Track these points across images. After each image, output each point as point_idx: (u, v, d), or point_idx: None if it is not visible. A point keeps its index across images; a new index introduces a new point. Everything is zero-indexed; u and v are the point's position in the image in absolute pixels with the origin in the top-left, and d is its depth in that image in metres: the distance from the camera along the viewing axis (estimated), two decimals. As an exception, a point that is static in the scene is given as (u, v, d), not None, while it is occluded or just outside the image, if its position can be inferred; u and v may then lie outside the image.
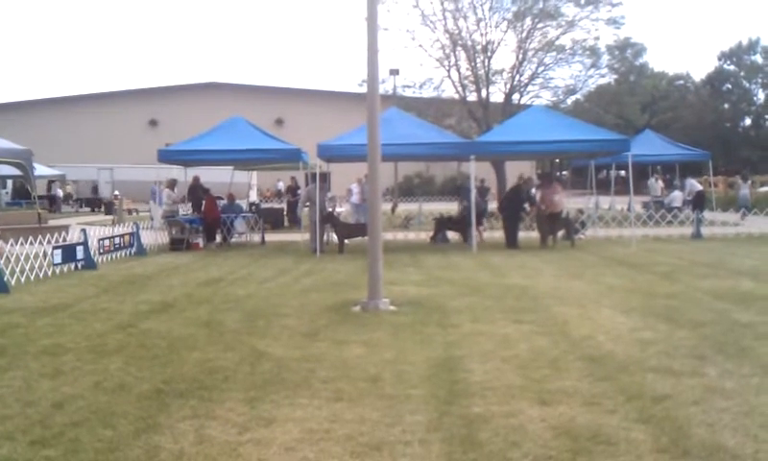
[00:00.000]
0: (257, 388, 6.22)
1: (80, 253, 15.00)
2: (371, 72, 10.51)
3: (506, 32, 34.88)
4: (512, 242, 18.79)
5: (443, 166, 50.82)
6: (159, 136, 59.44)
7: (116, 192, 42.41)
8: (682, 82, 71.27)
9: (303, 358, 7.25)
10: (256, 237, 22.08)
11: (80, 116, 64.50)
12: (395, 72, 38.38)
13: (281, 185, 52.21)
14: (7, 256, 12.87)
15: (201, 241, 20.41)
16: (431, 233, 21.13)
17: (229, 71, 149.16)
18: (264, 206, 32.49)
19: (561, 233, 19.49)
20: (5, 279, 12.22)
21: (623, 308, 9.80)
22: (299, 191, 31.57)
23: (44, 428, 5.28)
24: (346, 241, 18.93)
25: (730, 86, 69.11)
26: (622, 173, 33.37)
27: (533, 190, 20.60)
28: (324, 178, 20.31)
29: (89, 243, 15.42)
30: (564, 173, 64.42)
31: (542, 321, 9.00)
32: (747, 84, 69.34)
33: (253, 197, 41.70)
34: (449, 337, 8.16)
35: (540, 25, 34.14)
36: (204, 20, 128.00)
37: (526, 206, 19.82)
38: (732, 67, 69.31)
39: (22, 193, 43.97)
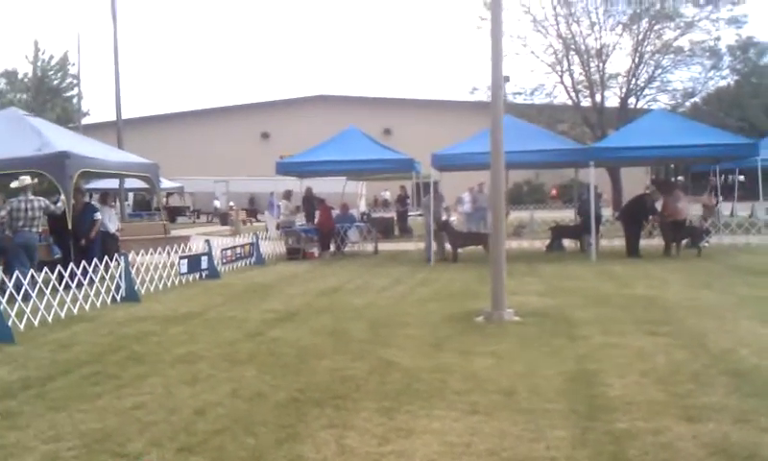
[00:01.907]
0: (391, 398, 6.20)
1: (204, 263, 15.50)
2: (495, 77, 10.39)
3: (621, 35, 33.98)
4: (633, 251, 18.16)
5: (552, 173, 49.93)
6: (271, 148, 61.00)
7: (232, 203, 43.76)
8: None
9: (433, 369, 7.19)
10: (369, 246, 22.23)
11: (195, 130, 67.01)
12: (505, 79, 37.95)
13: (387, 195, 52.56)
14: (137, 267, 13.41)
15: (316, 250, 20.72)
16: (546, 242, 20.70)
17: (338, 83, 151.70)
18: (374, 215, 32.73)
19: (684, 242, 18.70)
20: (135, 288, 12.74)
21: (762, 320, 9.26)
22: (407, 200, 31.74)
23: (189, 435, 5.41)
24: (459, 250, 18.77)
25: None
26: (741, 178, 31.75)
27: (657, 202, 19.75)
28: (435, 187, 20.25)
29: (213, 253, 15.90)
30: (679, 178, 61.92)
31: (678, 333, 8.61)
32: None
33: (363, 207, 42.11)
34: (580, 350, 7.91)
35: (656, 27, 33.02)
36: (312, 33, 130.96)
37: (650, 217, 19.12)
38: None
39: (143, 205, 46.14)
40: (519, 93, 36.95)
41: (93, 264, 12.20)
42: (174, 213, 45.08)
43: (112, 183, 26.18)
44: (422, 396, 6.27)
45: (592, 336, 8.58)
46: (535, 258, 18.19)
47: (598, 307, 10.65)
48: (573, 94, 34.96)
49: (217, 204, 48.87)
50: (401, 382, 6.73)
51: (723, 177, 28.88)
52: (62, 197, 13.62)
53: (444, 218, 19.52)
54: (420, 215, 27.10)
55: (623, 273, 14.87)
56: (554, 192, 57.44)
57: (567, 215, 24.89)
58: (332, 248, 21.38)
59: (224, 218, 43.50)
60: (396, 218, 31.10)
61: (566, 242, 20.61)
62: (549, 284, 13.48)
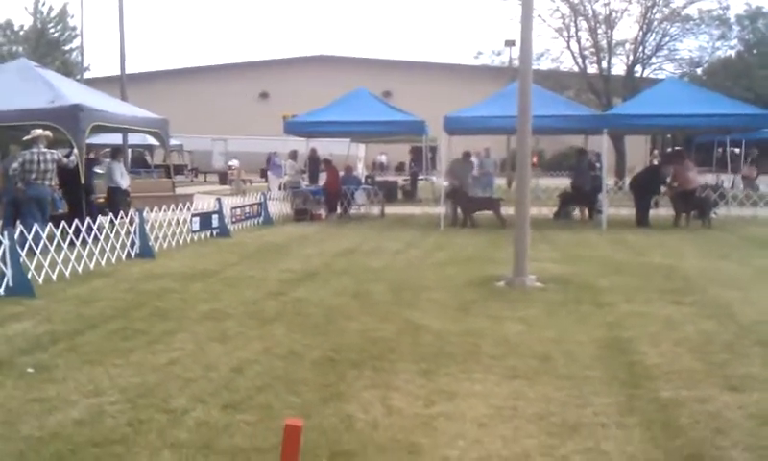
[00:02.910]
0: (427, 361, 6.17)
1: (215, 221, 15.42)
2: (524, 37, 10.23)
3: (630, 2, 33.63)
4: (643, 220, 18.14)
5: (551, 140, 49.74)
6: (270, 108, 60.69)
7: (231, 163, 43.46)
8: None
9: (463, 332, 7.17)
10: (375, 210, 22.13)
11: (193, 88, 66.47)
12: (510, 43, 37.61)
13: (384, 159, 52.41)
14: (151, 223, 13.32)
15: (323, 212, 20.64)
16: (554, 209, 20.64)
17: (338, 43, 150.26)
18: (379, 178, 32.61)
19: (693, 213, 18.66)
20: (149, 244, 12.66)
21: (786, 292, 9.26)
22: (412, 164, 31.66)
23: (231, 392, 5.38)
24: (464, 215, 18.70)
25: None
26: (737, 150, 31.74)
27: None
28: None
29: (224, 211, 15.81)
30: (677, 148, 61.77)
31: (703, 303, 8.59)
32: None
33: (361, 169, 41.95)
34: (608, 317, 7.90)
35: (666, -6, 32.74)
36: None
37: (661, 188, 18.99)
38: None
39: (140, 162, 45.72)
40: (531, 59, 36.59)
41: (109, 219, 12.11)
42: (174, 171, 44.77)
43: (114, 139, 25.88)
44: (457, 359, 6.25)
45: (618, 304, 8.57)
46: (544, 225, 18.11)
47: (618, 275, 10.63)
48: (580, 60, 34.76)
49: (230, 162, 48.24)
50: (434, 345, 6.71)
51: (721, 149, 28.75)
52: (75, 150, 13.44)
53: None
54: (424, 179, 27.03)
55: (636, 242, 14.84)
56: (534, 160, 57.07)
57: (565, 183, 24.70)
58: (339, 210, 21.29)
59: (222, 177, 43.26)
60: (410, 181, 31.09)
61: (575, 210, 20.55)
62: (564, 252, 13.46)
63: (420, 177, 30.97)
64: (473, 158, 24.26)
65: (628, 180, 31.38)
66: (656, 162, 19.32)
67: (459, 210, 18.82)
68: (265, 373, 5.86)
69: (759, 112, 18.42)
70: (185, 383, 5.59)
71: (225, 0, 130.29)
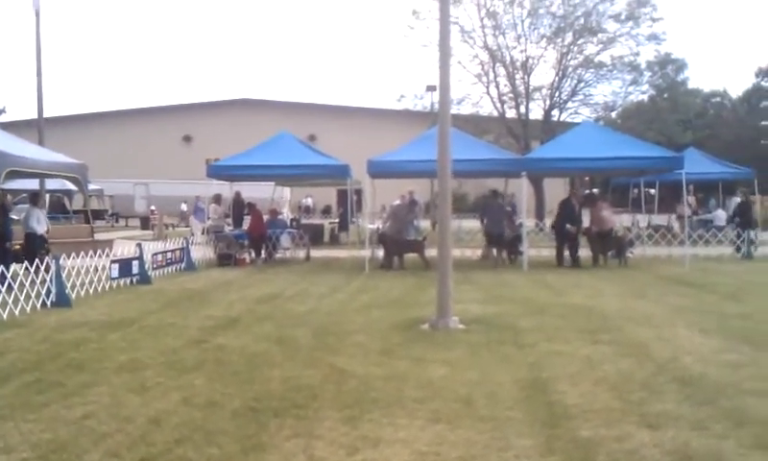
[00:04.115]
0: (350, 407, 6.14)
1: (135, 267, 15.07)
2: (443, 82, 10.44)
3: (546, 48, 34.84)
4: (560, 260, 18.52)
5: (474, 184, 50.63)
6: (193, 152, 60.08)
7: (153, 207, 42.72)
8: (718, 99, 70.48)
9: (387, 377, 7.16)
10: (300, 253, 22.02)
11: (115, 131, 65.13)
12: (432, 88, 38.32)
13: (310, 202, 52.35)
14: (68, 270, 12.92)
15: (247, 256, 20.42)
16: (478, 251, 20.93)
17: (262, 87, 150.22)
18: (304, 221, 32.52)
19: (610, 252, 19.21)
20: (66, 292, 12.27)
21: (699, 329, 9.58)
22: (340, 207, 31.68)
23: (148, 445, 5.23)
24: (395, 258, 18.81)
25: (768, 104, 68.21)
26: (652, 191, 32.98)
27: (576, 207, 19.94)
28: (411, 195, 20.51)
29: (144, 257, 15.47)
30: (594, 190, 63.74)
31: (620, 342, 8.83)
32: (786, 102, 68.32)
33: (287, 213, 41.79)
34: (529, 358, 8.02)
35: (580, 41, 34.03)
36: (236, 37, 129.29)
37: (569, 226, 19.16)
38: (769, 84, 68.39)
39: (58, 208, 44.46)
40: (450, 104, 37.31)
41: (24, 267, 11.70)
42: (93, 217, 43.67)
43: (32, 184, 25.13)
44: (381, 404, 6.24)
45: (538, 344, 8.72)
46: (467, 267, 18.36)
47: (539, 316, 10.83)
48: (499, 105, 35.67)
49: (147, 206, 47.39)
50: (358, 391, 6.68)
51: (636, 190, 29.86)
52: (-13, 197, 12.99)
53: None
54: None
55: (556, 282, 15.17)
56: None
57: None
58: (263, 254, 21.10)
59: (144, 222, 42.41)
60: (338, 224, 31.11)
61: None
62: (487, 292, 13.64)
63: (353, 220, 31.08)
64: (397, 201, 24.52)
65: (548, 221, 32.28)
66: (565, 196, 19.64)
67: (385, 252, 18.91)
68: (183, 424, 5.71)
69: (671, 155, 19.22)
70: (100, 437, 5.41)
71: (147, 43, 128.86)
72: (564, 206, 19.04)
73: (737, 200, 28.47)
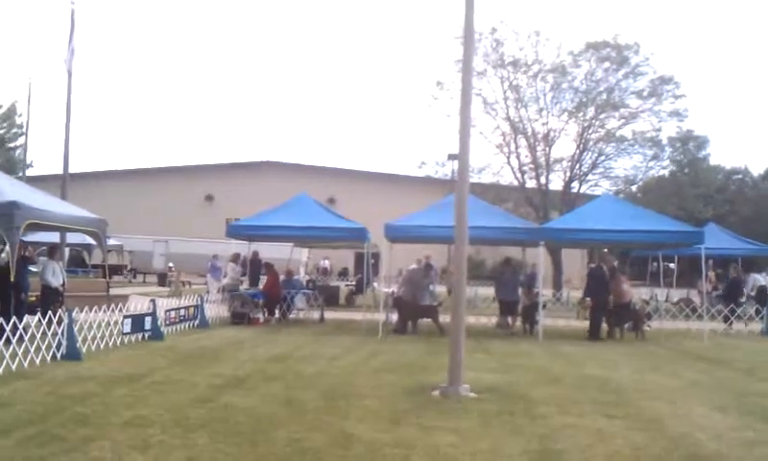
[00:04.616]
0: (355, 473, 6.00)
1: (148, 323, 15.04)
2: (462, 153, 10.55)
3: (567, 122, 34.98)
4: (595, 333, 18.04)
5: (492, 251, 50.53)
6: (214, 212, 60.51)
7: (171, 264, 42.96)
8: (739, 175, 70.42)
9: (394, 443, 7.02)
10: (315, 314, 21.95)
11: (137, 189, 65.91)
12: (453, 157, 38.54)
13: (327, 264, 52.42)
14: (80, 324, 12.92)
15: (261, 316, 20.37)
16: (494, 319, 20.76)
17: (284, 149, 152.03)
18: (320, 283, 32.49)
19: (627, 325, 18.95)
20: (77, 345, 12.25)
21: (714, 405, 9.39)
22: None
23: (147, 505, 5.12)
24: (409, 323, 18.69)
25: (789, 181, 67.98)
26: (671, 265, 32.77)
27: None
28: (428, 260, 20.50)
29: (157, 313, 15.46)
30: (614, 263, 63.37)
31: (634, 415, 8.64)
32: (806, 180, 68.10)
33: (303, 274, 41.80)
34: (540, 429, 7.85)
35: (601, 115, 34.19)
36: (261, 99, 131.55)
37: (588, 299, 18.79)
38: (790, 162, 68.44)
39: (77, 262, 44.81)
40: (469, 171, 37.44)
41: (37, 319, 11.72)
42: (111, 272, 43.93)
43: (52, 237, 25.36)
44: (387, 471, 6.09)
45: (551, 415, 8.55)
46: (482, 334, 18.17)
47: (552, 386, 10.66)
48: (519, 175, 35.68)
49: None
50: (364, 456, 6.55)
51: (655, 264, 29.67)
52: (8, 248, 13.09)
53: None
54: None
55: (571, 353, 14.96)
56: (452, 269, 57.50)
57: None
58: (277, 314, 21.04)
59: (161, 278, 42.60)
60: (355, 286, 31.07)
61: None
62: (500, 361, 13.45)
63: (374, 284, 31.03)
64: (413, 266, 24.46)
65: (565, 291, 32.02)
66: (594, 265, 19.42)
67: (399, 316, 18.82)
68: (185, 484, 5.60)
69: (689, 230, 19.11)
70: (99, 494, 5.30)
71: (173, 103, 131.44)
72: (593, 275, 18.86)
73: (756, 276, 28.23)
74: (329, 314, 22.40)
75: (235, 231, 20.88)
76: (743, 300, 25.13)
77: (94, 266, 41.89)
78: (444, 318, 17.15)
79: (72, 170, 27.51)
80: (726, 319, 21.78)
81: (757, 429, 8.01)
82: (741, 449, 7.09)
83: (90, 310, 14.04)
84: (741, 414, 8.85)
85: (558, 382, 11.04)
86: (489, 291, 27.65)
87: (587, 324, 18.91)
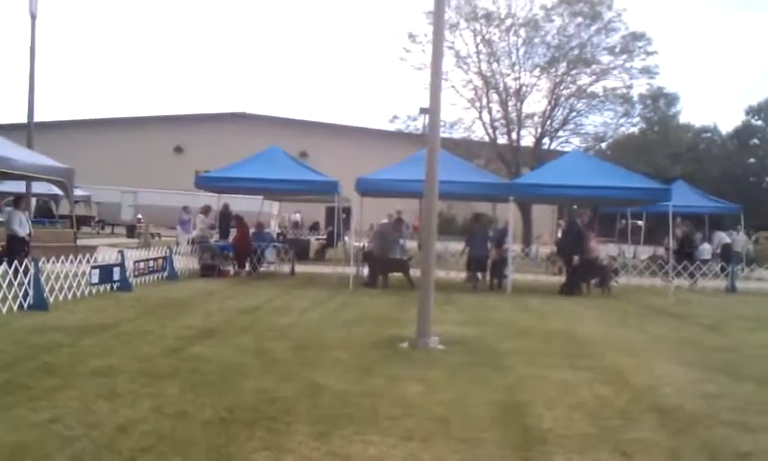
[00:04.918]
0: (324, 422, 6.05)
1: (116, 274, 14.93)
2: (433, 106, 10.46)
3: (539, 77, 34.98)
4: (572, 287, 18.23)
5: (464, 207, 50.73)
6: (184, 163, 59.90)
7: (139, 216, 42.55)
8: (708, 134, 71.16)
9: (363, 393, 7.08)
10: (285, 268, 21.94)
11: (106, 139, 64.84)
12: (424, 111, 38.38)
13: (298, 217, 52.26)
14: (47, 274, 12.78)
15: (231, 268, 20.31)
16: (463, 274, 20.90)
17: (256, 102, 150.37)
18: (291, 236, 32.41)
19: (594, 280, 19.21)
20: (44, 295, 12.13)
21: (678, 360, 9.59)
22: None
23: (113, 453, 5.13)
24: (380, 276, 18.76)
25: (757, 141, 68.83)
26: (639, 222, 33.18)
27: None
28: (399, 214, 20.58)
29: (126, 265, 15.34)
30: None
31: (599, 368, 8.79)
32: (774, 140, 69.12)
33: (274, 227, 41.65)
34: (507, 380, 7.96)
35: (573, 71, 34.22)
36: (232, 51, 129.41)
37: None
38: (759, 123, 69.12)
39: (44, 212, 44.14)
40: (440, 126, 37.37)
41: (2, 268, 11.56)
42: (79, 223, 43.40)
43: (19, 186, 24.95)
44: (355, 420, 6.15)
45: (517, 367, 8.67)
46: (451, 288, 18.31)
47: (519, 339, 10.80)
48: (490, 131, 35.72)
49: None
50: (332, 406, 6.60)
51: (623, 221, 30.04)
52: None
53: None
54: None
55: (539, 307, 15.17)
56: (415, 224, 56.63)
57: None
58: (248, 267, 20.99)
59: (130, 230, 42.23)
60: (326, 240, 31.06)
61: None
62: (469, 314, 13.60)
63: (345, 238, 31.00)
64: (385, 220, 24.47)
65: (534, 247, 32.31)
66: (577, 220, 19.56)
67: (370, 270, 18.88)
68: (152, 432, 5.61)
69: (658, 187, 19.30)
70: (65, 442, 5.30)
71: (142, 53, 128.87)
72: (570, 230, 19.02)
73: (721, 234, 28.72)
74: (300, 268, 22.40)
75: (204, 183, 20.68)
76: (708, 257, 25.60)
77: (61, 217, 41.33)
78: (415, 272, 17.26)
79: (37, 119, 26.90)
80: (692, 275, 22.15)
81: (719, 383, 8.19)
82: (703, 402, 7.25)
83: (57, 261, 13.88)
84: (704, 369, 9.03)
85: (525, 335, 11.19)
86: (459, 246, 27.86)
87: (555, 279, 19.15)
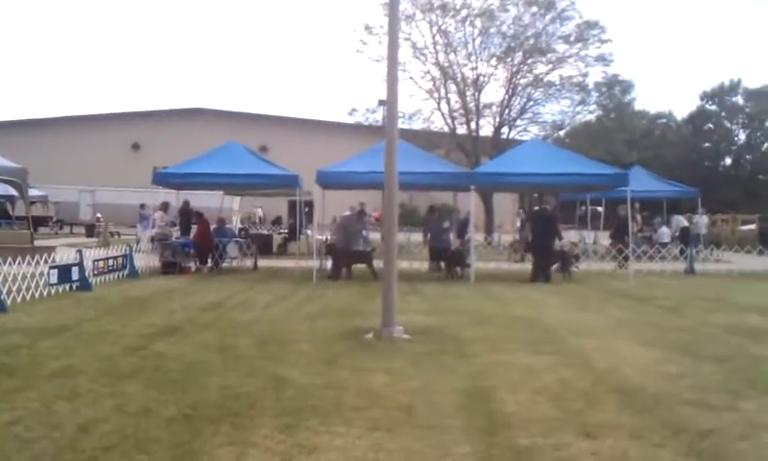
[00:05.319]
0: (288, 415, 6.02)
1: (75, 273, 14.69)
2: (390, 98, 10.46)
3: (496, 67, 35.29)
4: (541, 275, 18.24)
5: (425, 198, 50.90)
6: (142, 160, 59.01)
7: (98, 215, 41.92)
8: (664, 120, 72.36)
9: (327, 385, 7.07)
10: (248, 262, 21.81)
11: (61, 138, 63.75)
12: (383, 103, 38.39)
13: (260, 212, 52.00)
14: (4, 276, 12.52)
15: (193, 265, 20.13)
16: (425, 263, 20.97)
17: (214, 97, 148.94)
18: (253, 231, 32.27)
19: (555, 266, 19.41)
20: (2, 298, 11.88)
21: (639, 341, 9.74)
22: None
23: (75, 453, 5.05)
24: (343, 269, 18.74)
25: (711, 126, 70.16)
26: (599, 208, 33.70)
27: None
28: (362, 206, 20.57)
29: (84, 264, 15.09)
30: (546, 206, 64.75)
31: (562, 352, 8.89)
32: (728, 125, 70.43)
33: (236, 222, 41.37)
34: (471, 367, 8.01)
35: (529, 60, 34.54)
36: (189, 46, 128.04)
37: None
38: (713, 108, 70.47)
39: (0, 213, 43.21)
40: (399, 117, 37.45)
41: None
42: (36, 223, 42.61)
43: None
44: (320, 412, 6.14)
45: (481, 354, 8.73)
46: (415, 278, 18.36)
47: (483, 326, 10.87)
48: (449, 121, 35.96)
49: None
50: (297, 399, 6.57)
51: (583, 207, 30.48)
52: None
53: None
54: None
55: (502, 294, 15.28)
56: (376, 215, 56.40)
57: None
58: (210, 263, 20.82)
59: (89, 229, 41.61)
60: (288, 234, 30.95)
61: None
62: (433, 303, 13.65)
63: (302, 231, 30.88)
64: (347, 212, 24.41)
65: (496, 235, 32.57)
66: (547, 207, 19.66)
67: (333, 263, 18.85)
68: (114, 431, 5.53)
69: (615, 172, 19.57)
70: (25, 444, 5.20)
71: (97, 50, 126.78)
72: (540, 218, 19.12)
73: (679, 218, 29.25)
74: (263, 262, 22.30)
75: (161, 179, 20.43)
76: (667, 240, 26.08)
77: (18, 218, 40.55)
78: (378, 264, 17.28)
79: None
80: (650, 258, 22.54)
81: (680, 363, 8.33)
82: (665, 382, 7.36)
83: (14, 262, 13.59)
84: (665, 349, 9.19)
85: (488, 323, 11.26)
86: (421, 237, 27.97)
87: (517, 266, 19.31)
